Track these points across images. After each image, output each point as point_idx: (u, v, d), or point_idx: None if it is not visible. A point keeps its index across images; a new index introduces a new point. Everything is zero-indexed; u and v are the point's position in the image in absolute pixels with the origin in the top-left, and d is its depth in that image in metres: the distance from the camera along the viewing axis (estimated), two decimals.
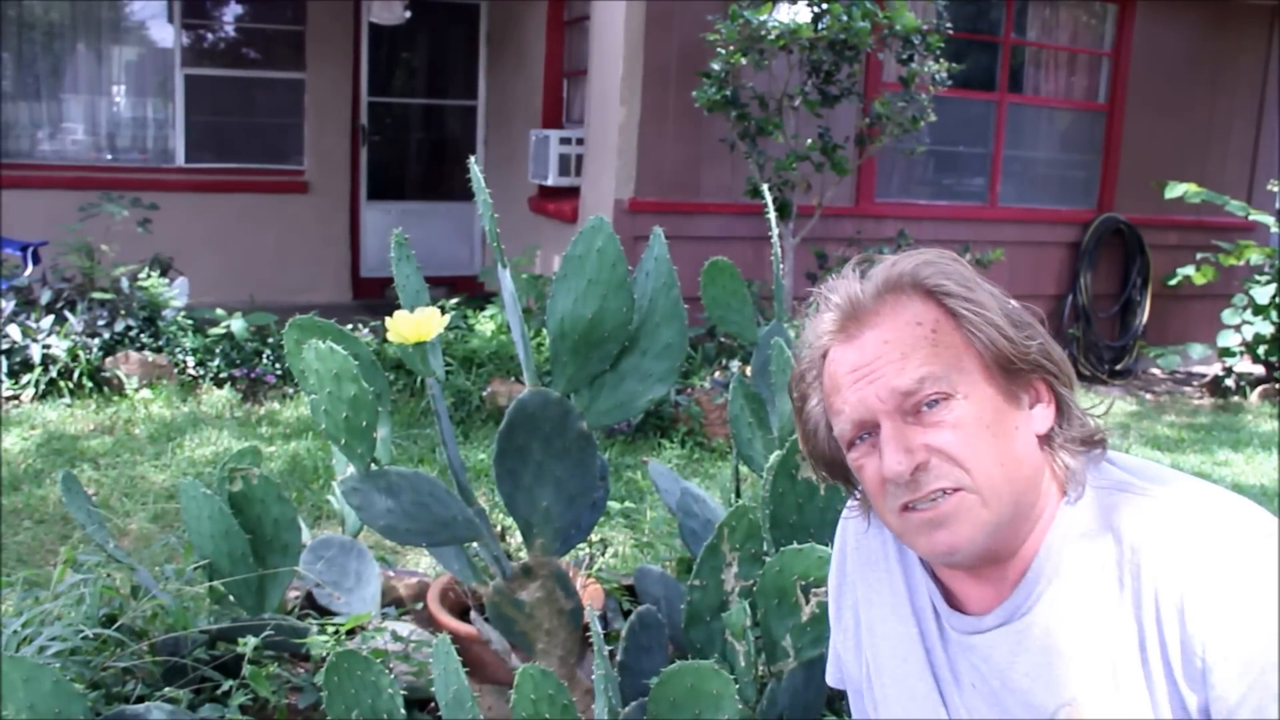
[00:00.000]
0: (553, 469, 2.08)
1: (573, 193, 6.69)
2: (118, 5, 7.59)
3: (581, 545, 2.95)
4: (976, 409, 1.05)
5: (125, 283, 5.77)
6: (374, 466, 1.99)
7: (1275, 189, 7.30)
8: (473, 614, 2.37)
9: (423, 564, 3.47)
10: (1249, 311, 6.88)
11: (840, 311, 1.10)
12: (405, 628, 2.43)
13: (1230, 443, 5.83)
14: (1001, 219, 7.23)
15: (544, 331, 2.48)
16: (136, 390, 5.26)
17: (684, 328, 2.10)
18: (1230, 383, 7.02)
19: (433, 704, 2.27)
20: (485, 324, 5.83)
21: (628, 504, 4.15)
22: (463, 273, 8.12)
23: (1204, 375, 7.48)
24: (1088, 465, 1.10)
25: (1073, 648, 1.07)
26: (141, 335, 5.56)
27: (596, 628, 1.58)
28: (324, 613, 2.47)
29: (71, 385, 5.23)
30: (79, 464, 4.36)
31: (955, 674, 1.17)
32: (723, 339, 5.78)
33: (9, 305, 5.42)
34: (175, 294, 5.87)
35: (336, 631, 2.19)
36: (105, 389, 5.29)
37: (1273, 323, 6.79)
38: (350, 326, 2.74)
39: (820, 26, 5.40)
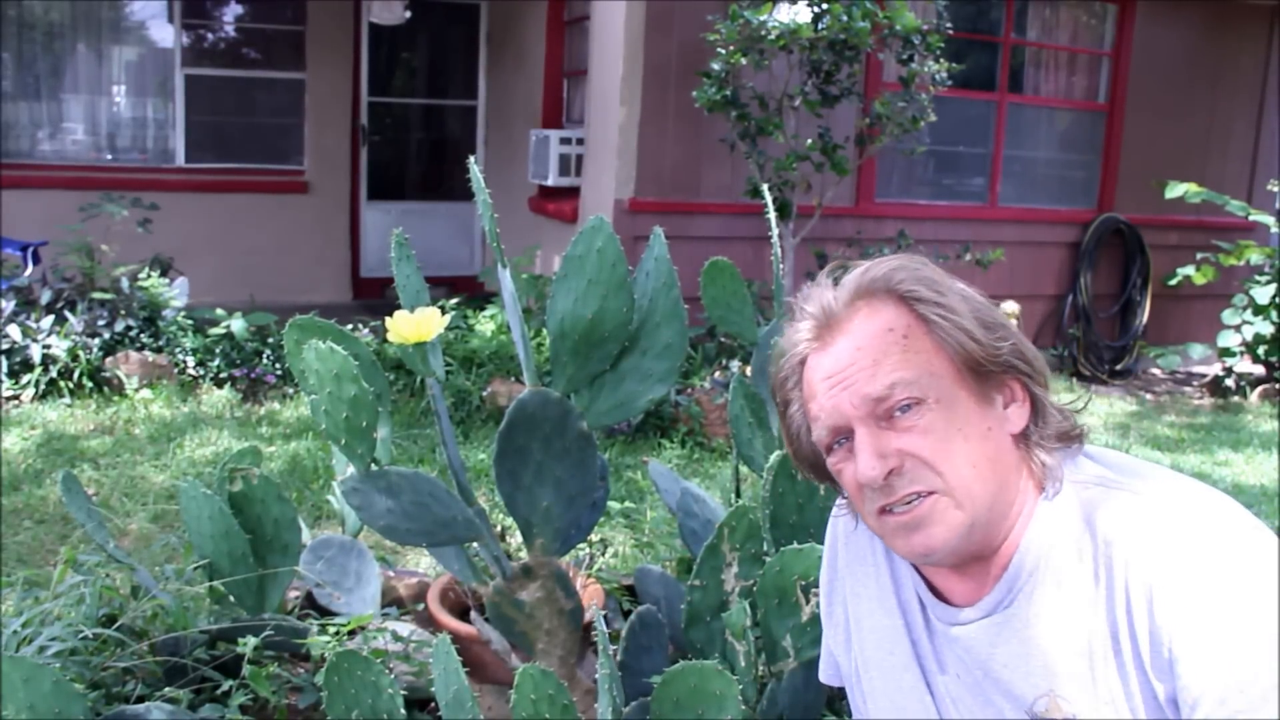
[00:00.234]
0: (553, 469, 2.08)
1: (573, 193, 6.69)
2: (118, 5, 7.59)
3: (581, 545, 2.95)
4: (948, 413, 1.07)
5: (125, 283, 5.77)
6: (374, 466, 1.99)
7: (1275, 189, 7.30)
8: (473, 614, 2.37)
9: (423, 564, 3.47)
10: (1249, 311, 6.88)
11: (814, 320, 1.13)
12: (405, 628, 2.43)
13: (1230, 443, 5.83)
14: (1001, 219, 7.23)
15: (544, 331, 2.48)
16: (136, 390, 5.26)
17: (684, 328, 2.10)
18: (1230, 383, 7.03)
19: (433, 704, 2.27)
20: (485, 324, 5.83)
21: (628, 504, 4.15)
22: (463, 273, 8.12)
23: (1204, 375, 7.48)
24: (1066, 461, 1.12)
25: (1050, 640, 1.09)
26: (141, 335, 5.56)
27: (601, 626, 1.58)
28: (324, 613, 2.47)
29: (71, 385, 5.23)
30: (79, 464, 4.36)
31: (941, 664, 1.19)
32: (723, 339, 5.78)
33: (9, 305, 5.42)
34: (175, 294, 5.87)
35: (336, 631, 2.19)
36: (105, 389, 5.29)
37: (1273, 323, 6.79)
38: (350, 326, 2.74)
39: (820, 26, 5.40)
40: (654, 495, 4.17)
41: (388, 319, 1.87)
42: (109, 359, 5.37)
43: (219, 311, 5.79)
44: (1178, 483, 1.09)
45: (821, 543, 1.92)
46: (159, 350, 5.52)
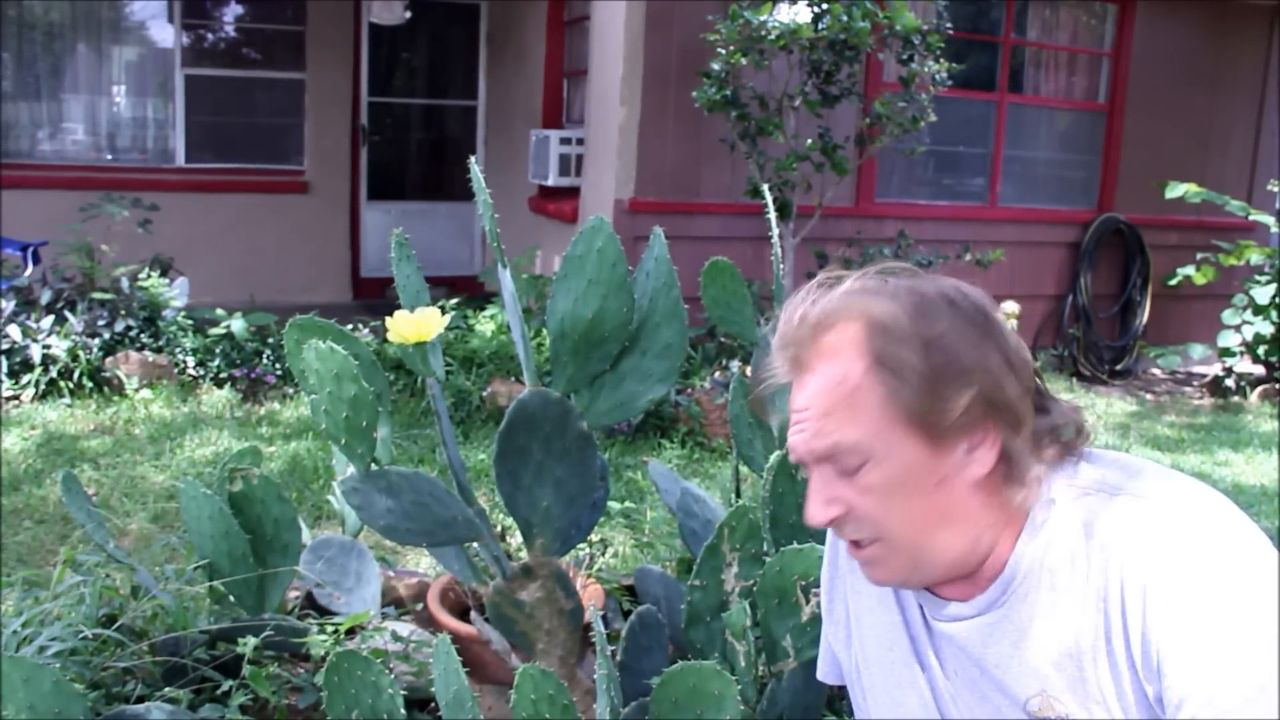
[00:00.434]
0: (553, 469, 2.08)
1: (573, 193, 6.69)
2: (118, 5, 7.59)
3: (581, 545, 2.95)
4: (891, 473, 1.07)
5: (125, 283, 5.77)
6: (374, 466, 1.99)
7: (1275, 189, 7.30)
8: (473, 614, 2.37)
9: (423, 564, 3.47)
10: (1249, 311, 6.88)
11: (784, 354, 1.11)
12: (405, 628, 2.43)
13: (1230, 443, 5.83)
14: (1001, 219, 7.23)
15: (544, 331, 2.48)
16: (136, 390, 5.26)
17: (684, 328, 2.09)
18: (1230, 383, 7.03)
19: (433, 704, 2.27)
20: (485, 324, 5.83)
21: (628, 504, 4.15)
22: (463, 273, 8.12)
23: (1204, 375, 7.48)
24: (1063, 468, 1.11)
25: (1043, 641, 1.09)
26: (142, 335, 5.56)
27: (599, 627, 1.58)
28: (324, 613, 2.47)
29: (71, 385, 5.23)
30: (79, 464, 4.36)
31: (940, 660, 1.20)
32: (723, 339, 5.78)
33: (9, 305, 5.42)
34: (175, 294, 5.87)
35: (336, 631, 2.19)
36: (105, 389, 5.29)
37: (1273, 323, 6.79)
38: (350, 326, 2.74)
39: (820, 26, 5.40)
40: (654, 495, 4.17)
41: (388, 319, 1.87)
42: (109, 359, 5.37)
43: (219, 311, 5.79)
44: (1178, 484, 1.08)
45: (821, 543, 1.92)
46: (159, 350, 5.52)
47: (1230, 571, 0.99)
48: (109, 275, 5.87)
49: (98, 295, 5.68)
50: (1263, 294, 6.83)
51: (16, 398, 5.14)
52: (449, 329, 5.35)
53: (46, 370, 5.21)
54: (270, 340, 5.72)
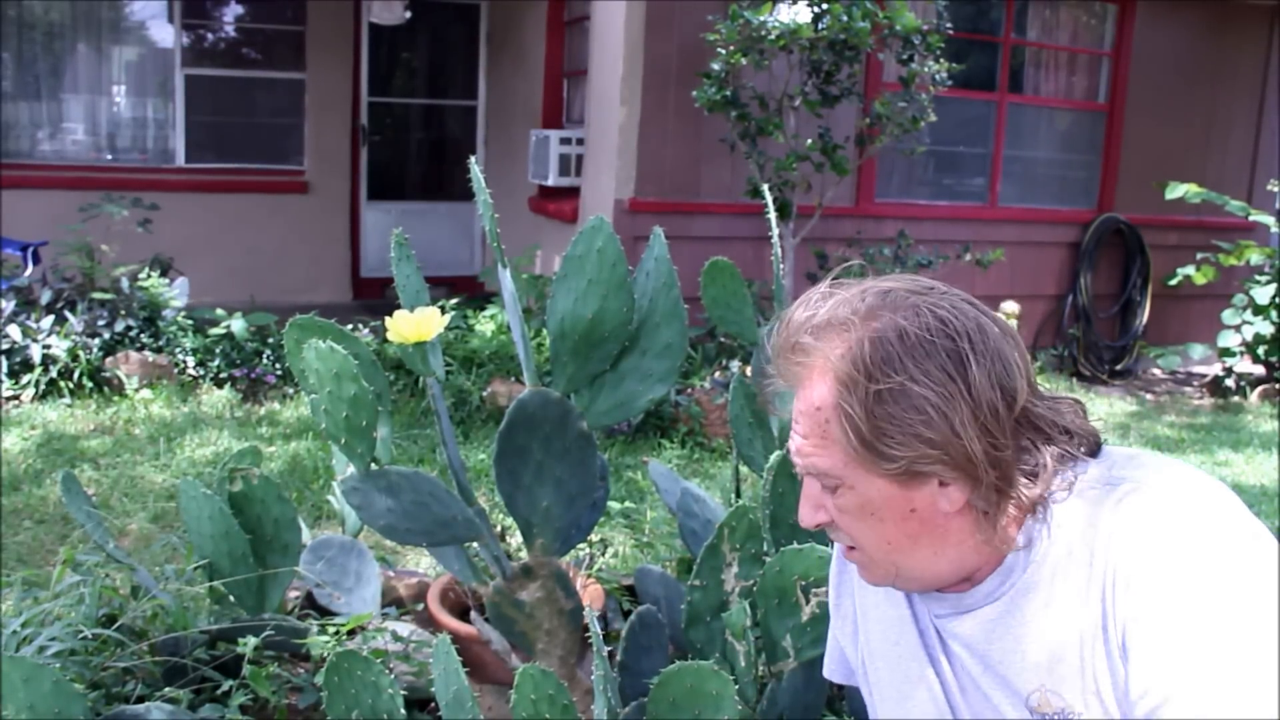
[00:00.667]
0: (553, 469, 2.08)
1: (573, 193, 6.69)
2: (118, 5, 7.58)
3: (581, 545, 2.95)
4: (862, 500, 1.09)
5: (125, 283, 5.77)
6: (374, 466, 1.99)
7: (1275, 189, 7.30)
8: (473, 614, 2.37)
9: (423, 564, 3.47)
10: (1249, 311, 6.88)
11: (775, 366, 1.12)
12: (405, 628, 2.43)
13: (1230, 443, 5.83)
14: (1001, 219, 7.23)
15: (544, 331, 2.48)
16: (136, 390, 5.26)
17: (684, 328, 2.10)
18: (1230, 383, 7.03)
19: (433, 704, 2.27)
20: (485, 324, 5.83)
21: (628, 504, 4.15)
22: (463, 273, 8.12)
23: (1204, 375, 7.48)
24: (1065, 468, 1.10)
25: (1043, 635, 1.09)
26: (141, 335, 5.56)
27: (595, 628, 1.57)
28: (324, 613, 2.47)
29: (71, 385, 5.23)
30: (79, 464, 4.36)
31: (949, 654, 1.20)
32: (723, 339, 5.78)
33: (9, 305, 5.42)
34: (175, 294, 5.87)
35: (336, 631, 2.19)
36: (105, 389, 5.29)
37: (1273, 323, 6.79)
38: (350, 326, 2.74)
39: (820, 26, 5.40)
40: (654, 495, 4.17)
41: (388, 319, 1.87)
42: (109, 359, 5.37)
43: (219, 311, 5.79)
44: (1180, 475, 1.08)
45: (822, 543, 1.92)
46: (159, 350, 5.52)
47: (1214, 567, 0.99)
48: (109, 275, 5.87)
49: (98, 295, 5.68)
50: (1263, 294, 6.83)
51: (16, 398, 5.14)
52: (449, 329, 5.35)
53: (46, 370, 5.21)
54: (270, 340, 5.72)
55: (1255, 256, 6.95)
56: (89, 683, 2.07)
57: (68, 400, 5.15)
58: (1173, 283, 7.30)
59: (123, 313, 5.60)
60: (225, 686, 2.10)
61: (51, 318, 5.43)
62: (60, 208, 6.26)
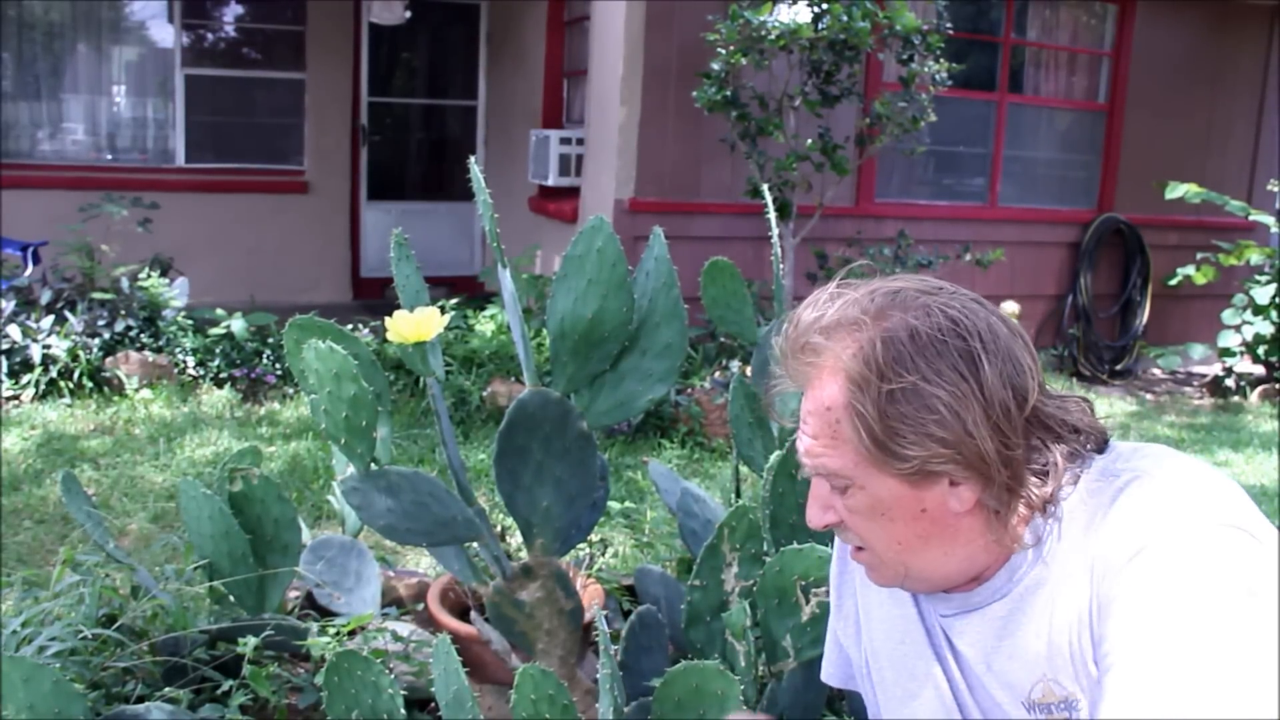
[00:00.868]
0: (553, 469, 2.08)
1: (573, 193, 6.69)
2: (118, 5, 7.58)
3: (581, 545, 2.95)
4: (872, 500, 1.09)
5: (125, 283, 5.77)
6: (374, 466, 1.99)
7: (1275, 189, 7.30)
8: (473, 614, 2.37)
9: (423, 564, 3.47)
10: (1249, 311, 6.88)
11: (785, 365, 1.12)
12: (405, 628, 2.43)
13: (1230, 443, 5.83)
14: (1001, 219, 7.23)
15: (544, 331, 2.48)
16: (136, 390, 5.26)
17: (684, 328, 2.09)
18: (1230, 383, 7.03)
19: (433, 704, 2.27)
20: (485, 324, 5.83)
21: (628, 504, 4.15)
22: (463, 273, 8.12)
23: (1204, 375, 7.48)
24: (1073, 465, 1.10)
25: (1048, 629, 1.09)
26: (141, 335, 5.56)
27: (603, 626, 1.57)
28: (324, 613, 2.47)
29: (71, 385, 5.23)
30: (79, 464, 4.36)
31: (955, 653, 1.20)
32: (723, 339, 5.77)
33: (9, 305, 5.42)
34: (175, 294, 5.87)
35: (336, 631, 2.19)
36: (105, 389, 5.29)
37: (1273, 323, 6.79)
38: (350, 326, 2.74)
39: (820, 26, 5.40)
40: (654, 495, 4.17)
41: (388, 319, 1.87)
42: (109, 359, 5.37)
43: (219, 311, 5.79)
44: (1183, 466, 1.08)
45: (822, 543, 1.93)
46: (159, 350, 5.52)
47: (1200, 555, 0.98)
48: (109, 275, 5.87)
49: (98, 295, 5.68)
50: (1263, 294, 6.83)
51: (16, 398, 5.14)
52: (449, 329, 5.35)
53: (46, 370, 5.21)
54: (270, 340, 5.72)
55: (1255, 256, 6.95)
56: (89, 683, 2.07)
57: (68, 400, 5.15)
58: (1173, 283, 7.30)
59: (123, 313, 5.60)
60: (225, 686, 2.10)
61: (51, 318, 5.43)
62: (60, 208, 6.26)
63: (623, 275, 2.00)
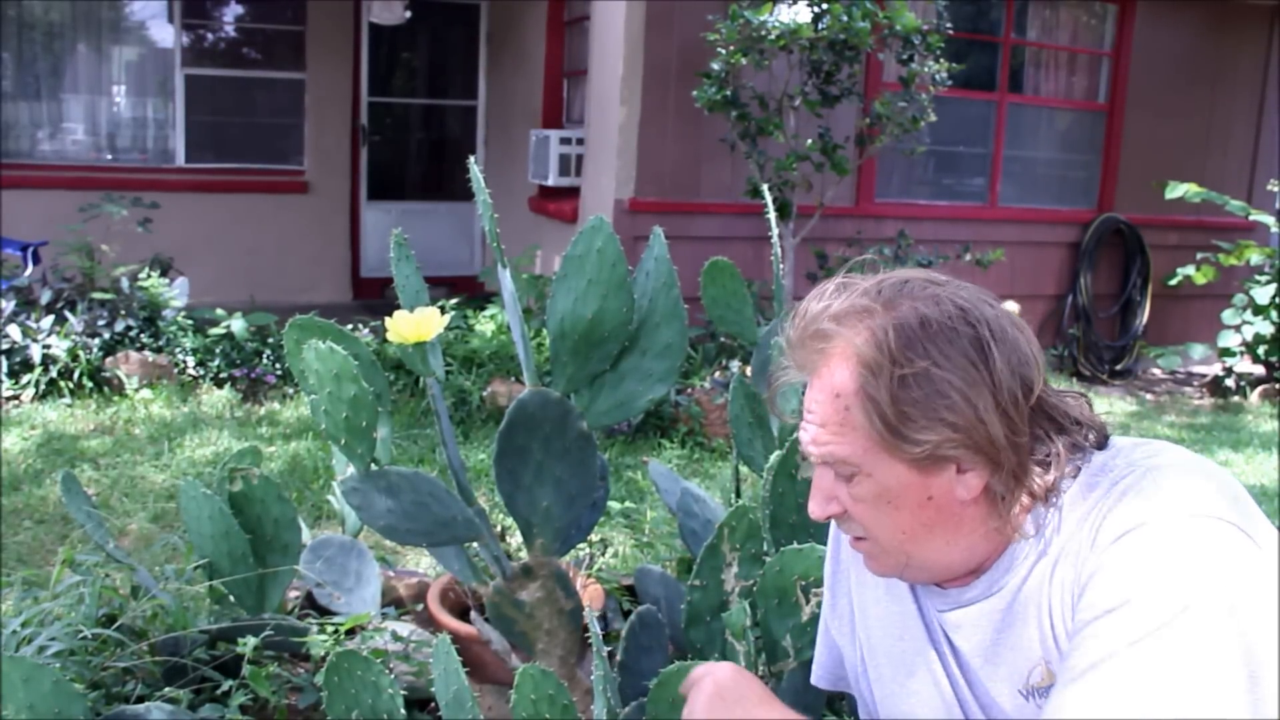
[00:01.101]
0: (553, 469, 2.08)
1: (573, 193, 6.69)
2: (118, 5, 7.59)
3: (581, 545, 2.95)
4: (879, 488, 1.08)
5: (125, 283, 5.77)
6: (374, 466, 1.99)
7: (1275, 189, 7.30)
8: (473, 614, 2.37)
9: (423, 564, 3.47)
10: (1249, 311, 6.88)
11: (791, 355, 1.12)
12: (405, 628, 2.43)
13: (1230, 443, 5.83)
14: (1001, 219, 7.23)
15: (544, 331, 2.48)
16: (136, 390, 5.26)
17: (684, 328, 2.09)
18: (1230, 383, 7.02)
19: (433, 704, 2.27)
20: (485, 324, 5.83)
21: (628, 504, 4.15)
22: (463, 273, 8.12)
23: (1204, 375, 7.48)
24: (1071, 460, 1.11)
25: (1044, 619, 1.09)
26: (141, 335, 5.56)
27: (595, 628, 1.57)
28: (324, 613, 2.46)
29: (71, 385, 5.23)
30: (79, 464, 4.36)
31: (954, 648, 1.20)
32: (723, 339, 5.78)
33: (9, 305, 5.42)
34: (175, 294, 5.87)
35: (336, 631, 2.19)
36: (105, 389, 5.29)
37: (1273, 323, 6.79)
38: (350, 326, 2.74)
39: (820, 26, 5.40)
40: (654, 495, 4.17)
41: (388, 319, 1.87)
42: (109, 359, 5.37)
43: (219, 311, 5.79)
44: (1184, 460, 1.08)
45: (822, 543, 1.92)
46: (159, 350, 5.52)
47: (1186, 549, 0.99)
48: (109, 275, 5.87)
49: (98, 295, 5.68)
50: (1263, 294, 6.83)
51: (16, 398, 5.14)
52: (449, 329, 5.35)
53: (46, 370, 5.21)
54: (270, 340, 5.72)
55: (1255, 256, 6.95)
56: (89, 683, 2.07)
57: (68, 400, 5.15)
58: (1173, 283, 7.29)
59: (123, 313, 5.60)
60: (225, 686, 2.10)
61: (51, 318, 5.43)
62: (60, 208, 6.26)
63: (623, 275, 2.00)
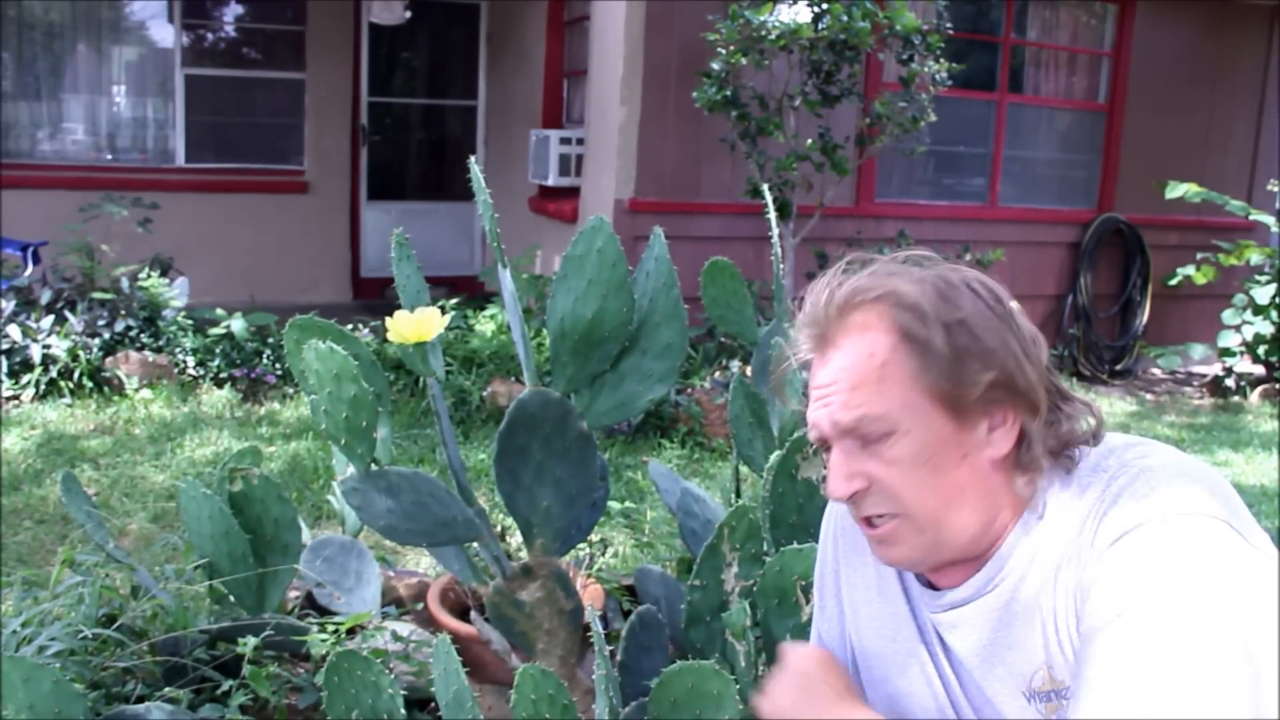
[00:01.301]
0: (553, 469, 2.08)
1: (573, 193, 6.69)
2: (118, 5, 7.59)
3: (581, 545, 2.95)
4: (917, 445, 1.08)
5: (125, 283, 5.77)
6: (374, 466, 1.99)
7: (1275, 189, 7.30)
8: (473, 614, 2.37)
9: (423, 564, 3.47)
10: (1249, 311, 6.88)
11: (810, 331, 1.14)
12: (405, 628, 2.43)
13: (1230, 443, 5.83)
14: (1001, 219, 7.23)
15: (544, 331, 2.48)
16: (136, 390, 5.26)
17: (684, 328, 2.09)
18: (1230, 383, 7.02)
19: (433, 704, 2.27)
20: (485, 324, 5.83)
21: (628, 504, 4.15)
22: (463, 273, 8.12)
23: (1204, 375, 7.48)
24: (1068, 456, 1.12)
25: (1044, 619, 1.09)
26: (141, 335, 5.56)
27: (597, 627, 1.57)
28: (324, 613, 2.46)
29: (71, 385, 5.23)
30: (79, 464, 4.36)
31: (947, 649, 1.20)
32: (723, 339, 5.78)
33: (9, 305, 5.42)
34: (175, 294, 5.87)
35: (336, 631, 2.19)
36: (105, 389, 5.29)
37: (1273, 323, 6.79)
38: (350, 326, 2.74)
39: (820, 26, 5.40)
40: (654, 495, 4.17)
41: (388, 319, 1.87)
42: (109, 359, 5.37)
43: (219, 311, 5.79)
44: (1177, 462, 1.09)
45: None
46: (159, 350, 5.52)
47: (1185, 554, 0.99)
48: (109, 275, 5.87)
49: (98, 295, 5.68)
50: (1263, 294, 6.83)
51: (16, 398, 5.14)
52: (449, 329, 5.34)
53: (46, 370, 5.21)
54: (270, 340, 5.72)
55: (1255, 256, 6.95)
56: (89, 683, 2.07)
57: (68, 400, 5.15)
58: (1173, 283, 7.29)
59: (123, 313, 5.60)
60: (225, 686, 2.10)
61: (51, 318, 5.43)
62: (60, 208, 6.26)
63: (623, 275, 2.00)
